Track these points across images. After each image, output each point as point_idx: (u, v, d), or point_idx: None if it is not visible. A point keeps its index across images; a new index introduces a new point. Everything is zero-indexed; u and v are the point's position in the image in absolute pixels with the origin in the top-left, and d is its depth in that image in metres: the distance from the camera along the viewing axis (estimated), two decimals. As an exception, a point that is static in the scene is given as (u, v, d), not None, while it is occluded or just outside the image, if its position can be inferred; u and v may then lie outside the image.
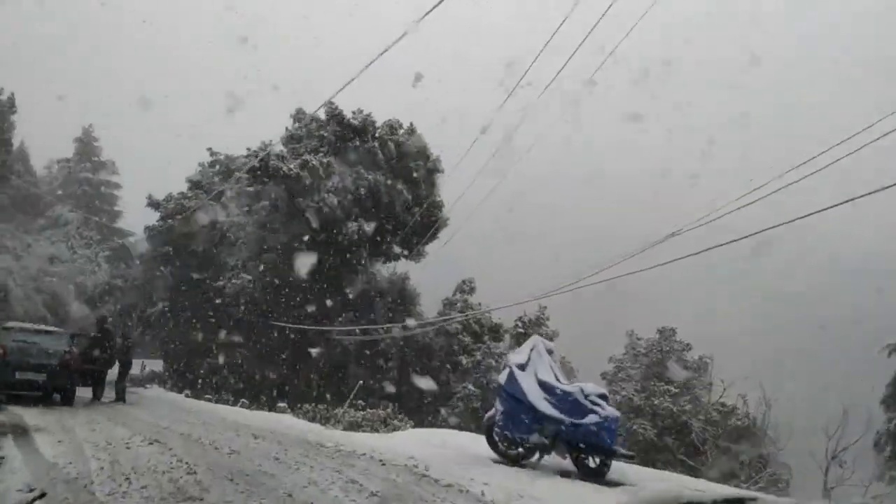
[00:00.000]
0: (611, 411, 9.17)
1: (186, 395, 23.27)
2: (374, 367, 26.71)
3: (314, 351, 25.33)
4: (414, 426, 15.55)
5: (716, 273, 38.12)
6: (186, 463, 8.51)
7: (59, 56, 76.09)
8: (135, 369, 31.84)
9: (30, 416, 13.65)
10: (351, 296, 28.52)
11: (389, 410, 16.56)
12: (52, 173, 60.71)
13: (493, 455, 10.05)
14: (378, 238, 28.27)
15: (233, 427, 13.44)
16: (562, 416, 9.15)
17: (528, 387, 9.52)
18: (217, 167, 33.63)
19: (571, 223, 62.05)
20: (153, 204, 30.28)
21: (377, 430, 14.75)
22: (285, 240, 25.72)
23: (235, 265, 25.92)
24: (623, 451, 9.27)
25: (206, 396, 21.91)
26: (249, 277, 25.55)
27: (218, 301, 26.62)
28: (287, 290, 26.42)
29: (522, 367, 9.91)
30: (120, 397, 18.04)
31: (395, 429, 14.67)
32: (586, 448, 9.10)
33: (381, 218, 27.82)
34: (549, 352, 10.32)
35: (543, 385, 9.60)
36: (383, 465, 8.98)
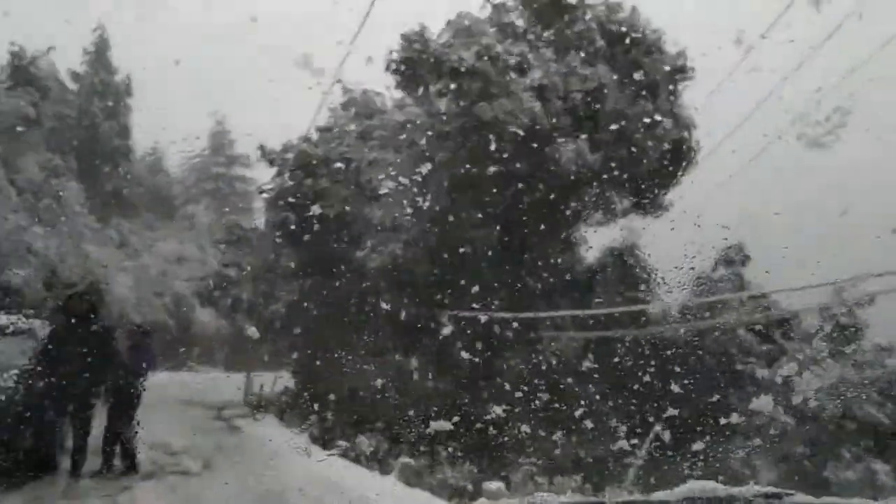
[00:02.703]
0: None
1: (311, 436, 13.64)
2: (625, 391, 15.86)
3: (517, 360, 15.02)
4: None
5: None
6: None
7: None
8: (259, 383, 22.99)
9: None
10: (559, 270, 18.04)
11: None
12: (185, 171, 55.72)
13: None
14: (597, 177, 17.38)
15: None
16: None
17: None
18: (353, 109, 24.43)
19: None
20: (267, 156, 21.38)
21: None
22: (457, 178, 15.62)
23: (382, 224, 16.20)
24: None
25: (338, 443, 12.08)
26: (401, 242, 15.72)
27: (358, 284, 17.02)
28: (457, 261, 16.29)
29: None
30: (108, 461, 8.04)
31: None
32: None
33: (607, 142, 17.02)
34: None
35: None
36: None
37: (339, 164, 19.73)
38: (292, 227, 20.66)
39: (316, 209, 19.43)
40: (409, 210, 15.87)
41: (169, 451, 10.72)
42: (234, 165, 55.11)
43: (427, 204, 15.55)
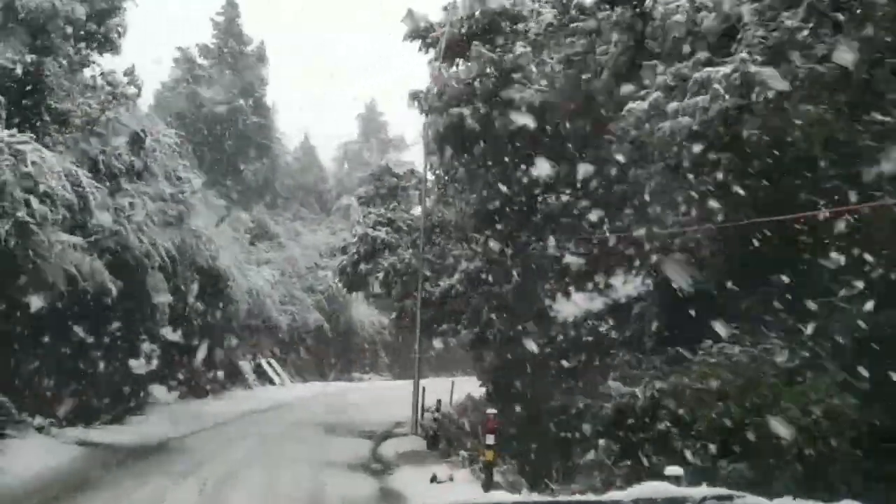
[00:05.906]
0: None
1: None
2: None
3: None
4: None
5: None
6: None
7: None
8: (427, 393, 14.78)
9: None
10: None
11: None
12: (339, 160, 50.64)
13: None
14: None
15: None
16: None
17: None
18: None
19: None
20: (417, 32, 13.47)
21: None
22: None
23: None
24: None
25: None
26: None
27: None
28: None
29: None
30: None
31: None
32: None
33: None
34: None
35: None
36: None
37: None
38: (468, 142, 12.60)
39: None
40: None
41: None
42: (388, 150, 49.23)
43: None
